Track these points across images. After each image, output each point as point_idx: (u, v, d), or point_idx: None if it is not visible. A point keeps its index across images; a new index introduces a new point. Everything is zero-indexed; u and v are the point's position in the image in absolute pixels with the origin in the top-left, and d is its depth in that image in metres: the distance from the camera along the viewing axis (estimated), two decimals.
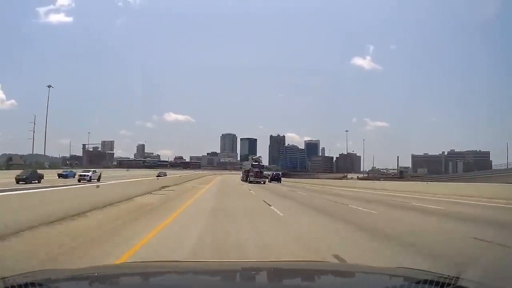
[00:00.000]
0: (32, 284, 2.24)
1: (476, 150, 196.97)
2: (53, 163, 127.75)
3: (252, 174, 56.48)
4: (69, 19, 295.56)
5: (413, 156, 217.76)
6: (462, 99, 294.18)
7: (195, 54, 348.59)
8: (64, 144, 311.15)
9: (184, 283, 2.81)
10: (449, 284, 2.19)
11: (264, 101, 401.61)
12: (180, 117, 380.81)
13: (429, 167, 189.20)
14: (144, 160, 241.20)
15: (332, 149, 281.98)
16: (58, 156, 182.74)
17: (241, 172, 67.55)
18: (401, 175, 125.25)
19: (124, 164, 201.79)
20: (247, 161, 66.99)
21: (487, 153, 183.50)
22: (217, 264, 4.07)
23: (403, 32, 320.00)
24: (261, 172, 58.30)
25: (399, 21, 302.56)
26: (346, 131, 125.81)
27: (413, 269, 3.26)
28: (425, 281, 2.26)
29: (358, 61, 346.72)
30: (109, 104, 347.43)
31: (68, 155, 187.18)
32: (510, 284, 4.97)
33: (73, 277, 2.78)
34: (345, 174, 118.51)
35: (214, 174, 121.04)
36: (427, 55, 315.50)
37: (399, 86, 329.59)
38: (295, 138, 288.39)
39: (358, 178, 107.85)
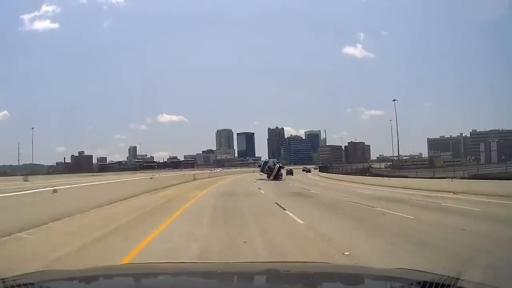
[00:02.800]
0: (32, 284, 2.27)
1: (498, 129, 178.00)
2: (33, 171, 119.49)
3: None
4: (55, 25, 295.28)
5: (429, 140, 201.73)
6: (464, 78, 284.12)
7: (185, 54, 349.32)
8: (60, 151, 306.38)
9: (183, 284, 2.83)
10: (449, 285, 2.17)
11: (257, 97, 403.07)
12: (174, 117, 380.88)
13: (448, 151, 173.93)
14: (120, 162, 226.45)
15: (329, 140, 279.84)
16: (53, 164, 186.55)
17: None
18: (431, 163, 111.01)
19: (106, 168, 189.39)
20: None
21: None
22: (219, 266, 4.04)
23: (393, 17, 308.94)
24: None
25: (387, 5, 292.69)
26: (397, 101, 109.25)
27: (413, 270, 3.27)
28: (425, 283, 2.20)
29: (350, 50, 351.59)
30: (102, 109, 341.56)
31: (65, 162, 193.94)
32: (510, 285, 4.67)
33: (73, 278, 2.79)
34: (370, 165, 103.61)
35: (194, 174, 59.48)
36: (422, 36, 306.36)
37: (393, 73, 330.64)
38: (291, 132, 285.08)
39: (386, 167, 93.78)
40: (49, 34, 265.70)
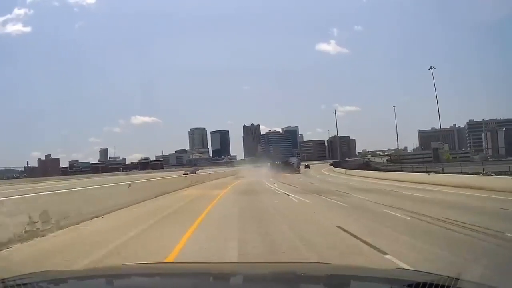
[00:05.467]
0: (32, 285, 2.31)
1: (496, 119, 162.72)
2: None
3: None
4: (28, 29, 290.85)
5: (420, 132, 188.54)
6: (443, 70, 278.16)
7: (156, 55, 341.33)
8: (35, 156, 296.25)
9: (183, 284, 2.81)
10: (448, 286, 2.18)
11: (230, 96, 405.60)
12: (147, 118, 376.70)
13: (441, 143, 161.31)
14: (72, 165, 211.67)
15: (306, 136, 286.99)
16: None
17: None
18: (435, 156, 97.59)
19: (66, 172, 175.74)
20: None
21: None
22: (219, 266, 4.10)
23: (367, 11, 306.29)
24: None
25: None
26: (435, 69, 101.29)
27: (413, 270, 3.36)
28: (425, 283, 2.20)
29: (323, 46, 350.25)
30: (76, 112, 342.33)
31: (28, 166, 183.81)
32: (510, 285, 4.62)
33: (73, 278, 2.86)
34: (368, 159, 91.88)
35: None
36: (397, 29, 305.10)
37: (368, 67, 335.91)
38: (266, 130, 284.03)
39: (387, 161, 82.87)
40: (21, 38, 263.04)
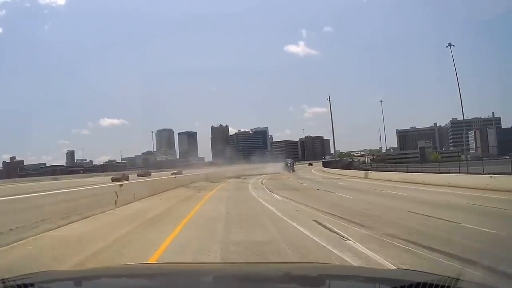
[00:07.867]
0: (32, 285, 2.31)
1: (481, 117, 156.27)
2: None
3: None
4: None
5: (399, 132, 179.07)
6: (414, 70, 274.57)
7: (123, 57, 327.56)
8: (4, 159, 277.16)
9: (183, 284, 2.80)
10: (448, 286, 2.18)
11: (198, 97, 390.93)
12: (115, 121, 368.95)
13: (420, 143, 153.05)
14: (23, 166, 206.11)
15: (275, 138, 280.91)
16: None
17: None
18: (422, 156, 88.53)
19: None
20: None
21: (498, 119, 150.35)
22: (218, 266, 4.11)
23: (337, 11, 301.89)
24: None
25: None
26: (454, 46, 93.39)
27: (413, 270, 3.40)
28: (425, 284, 2.19)
29: (292, 48, 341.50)
30: (45, 114, 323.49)
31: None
32: (510, 285, 4.61)
33: (73, 278, 2.86)
34: (352, 159, 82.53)
35: None
36: (368, 30, 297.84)
37: (337, 70, 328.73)
38: (233, 132, 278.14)
39: (372, 161, 74.54)
40: None
